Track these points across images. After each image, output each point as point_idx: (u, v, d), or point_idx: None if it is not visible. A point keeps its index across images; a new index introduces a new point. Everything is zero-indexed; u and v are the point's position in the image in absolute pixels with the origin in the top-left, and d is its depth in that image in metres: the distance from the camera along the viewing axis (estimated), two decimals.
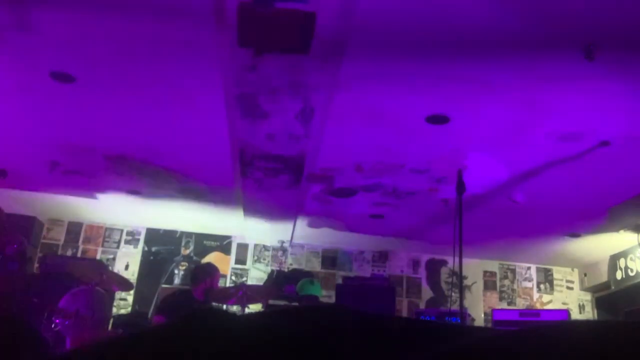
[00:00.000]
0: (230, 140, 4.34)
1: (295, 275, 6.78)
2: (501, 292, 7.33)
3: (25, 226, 6.51)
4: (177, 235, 7.19)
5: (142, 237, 7.13)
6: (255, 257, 7.23)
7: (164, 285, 6.87)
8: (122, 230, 7.14)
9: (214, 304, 4.99)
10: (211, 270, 4.97)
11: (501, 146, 4.19)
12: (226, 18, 2.74)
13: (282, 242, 7.21)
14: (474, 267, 7.26)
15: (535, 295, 7.40)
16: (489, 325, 6.59)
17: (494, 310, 6.39)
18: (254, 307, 5.40)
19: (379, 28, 2.91)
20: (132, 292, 6.52)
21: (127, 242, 7.11)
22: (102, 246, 7.06)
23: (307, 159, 4.39)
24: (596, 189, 4.78)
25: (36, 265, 6.59)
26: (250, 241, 7.21)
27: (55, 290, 5.54)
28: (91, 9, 2.91)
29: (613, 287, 6.61)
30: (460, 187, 3.27)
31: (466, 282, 7.01)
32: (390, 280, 7.05)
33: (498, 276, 7.43)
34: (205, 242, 7.20)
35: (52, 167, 5.16)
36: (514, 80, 3.33)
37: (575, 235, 6.10)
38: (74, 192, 5.87)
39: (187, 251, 7.14)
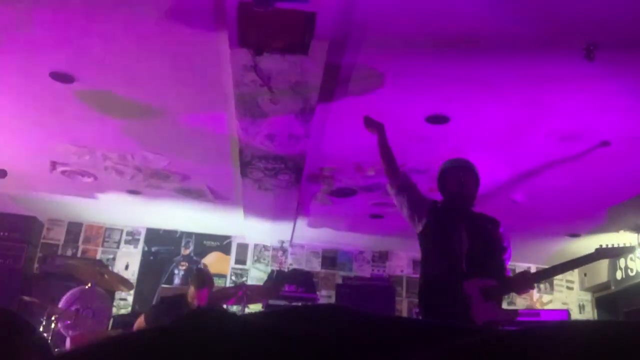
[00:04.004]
0: (230, 140, 4.34)
1: (295, 275, 6.77)
2: None
3: (25, 226, 6.52)
4: (177, 235, 7.20)
5: (142, 237, 7.14)
6: (255, 257, 7.23)
7: (164, 285, 6.88)
8: (122, 230, 7.14)
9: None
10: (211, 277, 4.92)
11: (501, 146, 4.19)
12: (226, 18, 2.74)
13: (282, 242, 7.21)
14: None
15: (535, 295, 7.40)
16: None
17: None
18: (254, 307, 5.40)
19: (379, 28, 2.91)
20: (132, 292, 6.53)
21: (127, 242, 7.12)
22: (102, 246, 7.06)
23: (307, 159, 4.39)
24: (596, 189, 4.78)
25: (36, 265, 6.59)
26: (250, 241, 7.21)
27: (55, 290, 5.56)
28: (91, 9, 2.91)
29: (613, 287, 6.61)
30: (460, 187, 3.27)
31: None
32: (390, 280, 7.06)
33: None
34: (205, 242, 7.21)
35: (52, 167, 5.16)
36: (514, 80, 3.33)
37: (575, 235, 6.10)
38: (74, 192, 5.87)
39: (187, 251, 7.14)
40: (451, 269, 2.87)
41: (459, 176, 3.14)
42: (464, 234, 2.93)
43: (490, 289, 2.84)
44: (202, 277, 4.69)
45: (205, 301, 4.54)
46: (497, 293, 2.90)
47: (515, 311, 3.03)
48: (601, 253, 3.13)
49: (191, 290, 4.53)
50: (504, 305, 3.18)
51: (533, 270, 7.34)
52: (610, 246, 3.14)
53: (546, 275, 3.25)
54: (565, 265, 3.18)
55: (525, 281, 2.97)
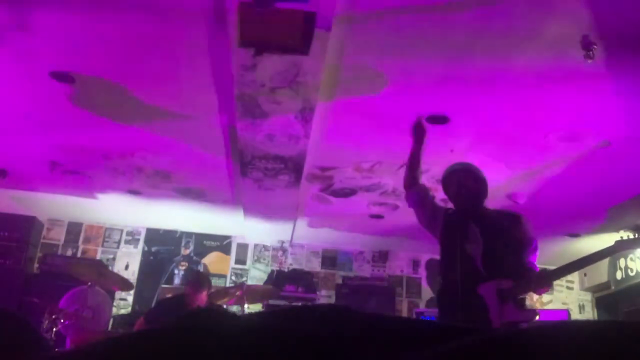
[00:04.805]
0: (230, 140, 4.34)
1: (295, 275, 6.78)
2: None
3: (25, 226, 6.51)
4: (177, 235, 7.20)
5: (142, 237, 7.14)
6: (255, 257, 7.23)
7: (164, 285, 6.87)
8: (122, 230, 7.14)
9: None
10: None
11: (501, 146, 4.19)
12: (226, 18, 2.74)
13: (282, 242, 7.21)
14: None
15: (535, 295, 7.39)
16: None
17: None
18: (254, 307, 5.40)
19: (379, 28, 2.91)
20: (132, 292, 6.53)
21: (127, 242, 7.12)
22: (102, 246, 7.06)
23: (307, 159, 4.39)
24: (596, 189, 4.78)
25: (36, 265, 6.59)
26: (250, 241, 7.21)
27: (55, 290, 5.55)
28: (91, 9, 2.91)
29: (613, 287, 6.61)
30: (460, 188, 3.26)
31: None
32: (390, 280, 7.06)
33: None
34: (205, 242, 7.20)
35: (52, 167, 5.16)
36: (514, 80, 3.33)
37: (575, 235, 6.10)
38: (74, 192, 5.87)
39: (187, 251, 7.14)
40: (467, 272, 2.82)
41: (458, 178, 3.13)
42: (477, 235, 2.88)
43: (506, 290, 2.78)
44: (199, 280, 4.64)
45: (204, 303, 4.51)
46: (514, 294, 2.81)
47: (533, 311, 2.95)
48: (622, 245, 2.93)
49: (189, 294, 4.50)
50: None
51: None
52: (629, 238, 2.96)
53: (564, 272, 3.08)
54: (584, 260, 2.98)
55: (542, 280, 2.85)
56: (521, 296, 2.86)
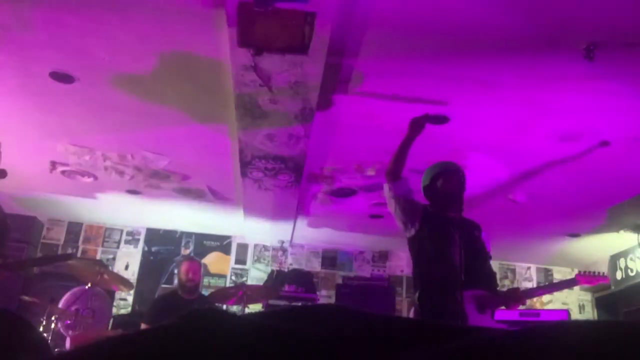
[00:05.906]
0: (230, 139, 4.34)
1: (295, 275, 6.78)
2: None
3: (25, 226, 6.51)
4: (177, 235, 7.19)
5: (142, 237, 7.14)
6: (255, 257, 7.23)
7: (164, 285, 6.87)
8: (122, 230, 7.14)
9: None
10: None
11: (501, 146, 4.19)
12: (226, 18, 2.74)
13: (282, 242, 7.21)
14: None
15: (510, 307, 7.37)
16: None
17: None
18: (254, 307, 5.39)
19: (379, 28, 2.91)
20: (132, 292, 6.53)
21: (127, 242, 7.12)
22: (102, 246, 7.06)
23: (307, 159, 4.39)
24: (596, 189, 4.78)
25: None
26: (250, 241, 7.21)
27: (55, 290, 5.55)
28: (91, 9, 2.91)
29: (613, 287, 6.61)
30: (460, 188, 3.26)
31: None
32: (390, 280, 7.06)
33: (498, 276, 7.40)
34: (205, 242, 7.20)
35: (52, 167, 5.16)
36: (513, 80, 3.33)
37: (575, 235, 6.10)
38: (74, 192, 5.87)
39: (187, 251, 7.13)
40: (450, 279, 2.84)
41: (459, 177, 3.11)
42: (458, 242, 2.89)
43: (483, 299, 2.84)
44: (189, 255, 4.87)
45: (199, 275, 4.75)
46: (490, 304, 2.90)
47: (503, 325, 3.09)
48: (581, 279, 3.45)
49: (183, 266, 4.72)
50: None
51: (533, 270, 7.40)
52: (588, 272, 3.51)
53: (534, 294, 3.43)
54: (552, 286, 3.47)
55: (517, 298, 3.03)
56: (496, 308, 2.99)
